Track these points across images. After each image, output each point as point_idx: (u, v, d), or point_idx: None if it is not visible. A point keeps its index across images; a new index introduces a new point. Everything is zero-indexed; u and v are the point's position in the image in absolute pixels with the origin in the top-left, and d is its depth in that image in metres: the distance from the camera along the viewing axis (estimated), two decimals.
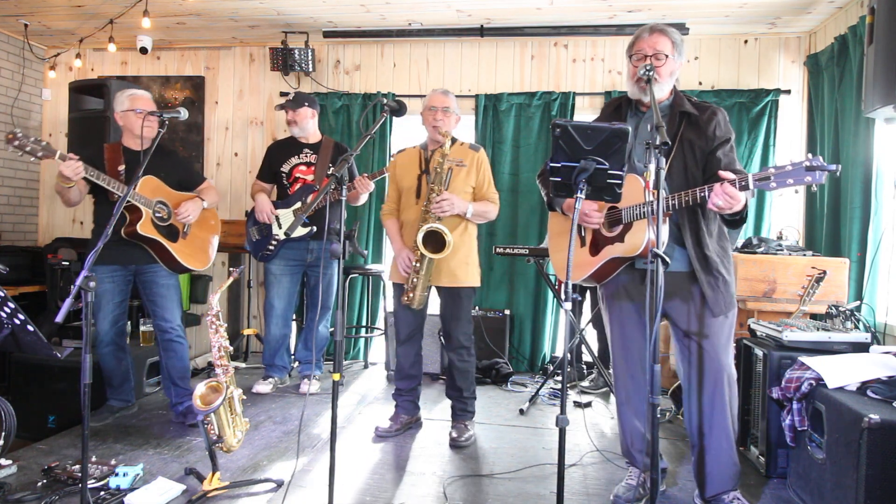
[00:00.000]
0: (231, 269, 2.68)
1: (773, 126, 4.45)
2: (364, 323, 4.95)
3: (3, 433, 2.41)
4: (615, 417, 2.60)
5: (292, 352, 4.22)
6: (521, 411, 3.61)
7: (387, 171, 3.71)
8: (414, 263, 2.98)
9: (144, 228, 3.01)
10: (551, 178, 1.93)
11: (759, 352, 2.76)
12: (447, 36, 4.79)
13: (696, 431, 2.29)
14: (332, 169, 3.83)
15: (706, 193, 2.00)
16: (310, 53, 4.83)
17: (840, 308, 2.99)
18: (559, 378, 3.40)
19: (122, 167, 3.10)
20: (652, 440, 1.84)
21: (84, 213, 5.33)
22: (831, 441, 2.18)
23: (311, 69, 4.87)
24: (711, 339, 2.22)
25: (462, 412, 3.18)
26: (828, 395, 2.24)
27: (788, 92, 4.51)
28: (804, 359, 2.47)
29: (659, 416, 2.67)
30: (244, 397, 2.69)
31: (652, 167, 1.83)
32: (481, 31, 4.66)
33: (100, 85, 4.56)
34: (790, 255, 3.49)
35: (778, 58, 4.58)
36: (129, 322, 3.49)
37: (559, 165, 1.88)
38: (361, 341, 4.91)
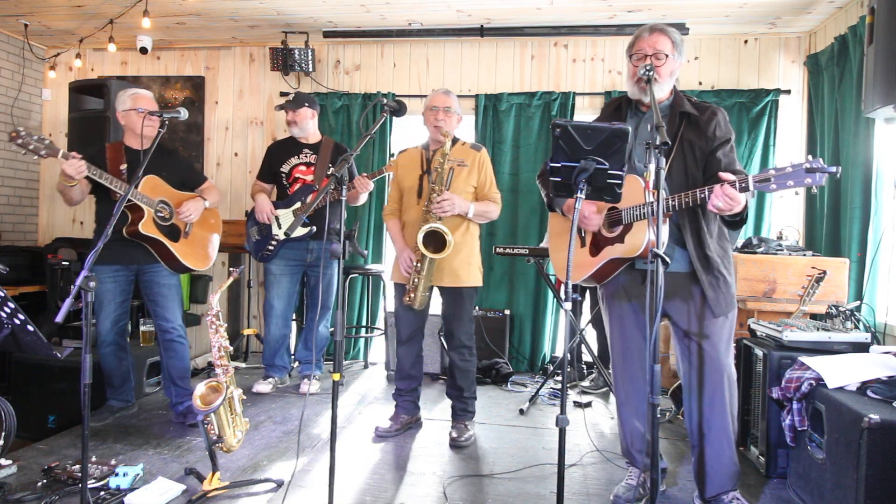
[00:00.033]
0: (231, 269, 2.68)
1: (773, 126, 4.45)
2: (364, 323, 4.95)
3: (3, 433, 2.41)
4: (615, 417, 2.60)
5: (292, 352, 4.22)
6: (521, 411, 3.61)
7: (386, 170, 3.71)
8: (415, 264, 2.98)
9: (146, 228, 3.01)
10: (551, 178, 1.93)
11: (759, 352, 2.76)
12: (447, 36, 4.79)
13: (696, 432, 2.29)
14: (331, 169, 3.83)
15: (706, 195, 1.99)
16: (310, 53, 4.83)
17: (840, 308, 2.99)
18: (559, 378, 3.40)
19: (123, 166, 3.10)
20: (652, 440, 1.84)
21: (84, 213, 5.34)
22: (831, 441, 2.18)
23: (311, 69, 4.87)
24: (712, 340, 2.22)
25: (462, 412, 3.18)
26: (828, 395, 2.24)
27: (788, 92, 4.51)
28: (804, 359, 2.47)
29: (659, 416, 2.67)
30: (244, 397, 2.69)
31: (652, 167, 1.83)
32: (481, 31, 4.66)
33: (100, 85, 4.56)
34: (790, 255, 3.49)
35: (778, 58, 4.59)
36: (129, 322, 3.48)
37: (559, 165, 1.88)
38: (361, 341, 4.91)
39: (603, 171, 1.85)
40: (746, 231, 4.24)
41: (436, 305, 3.23)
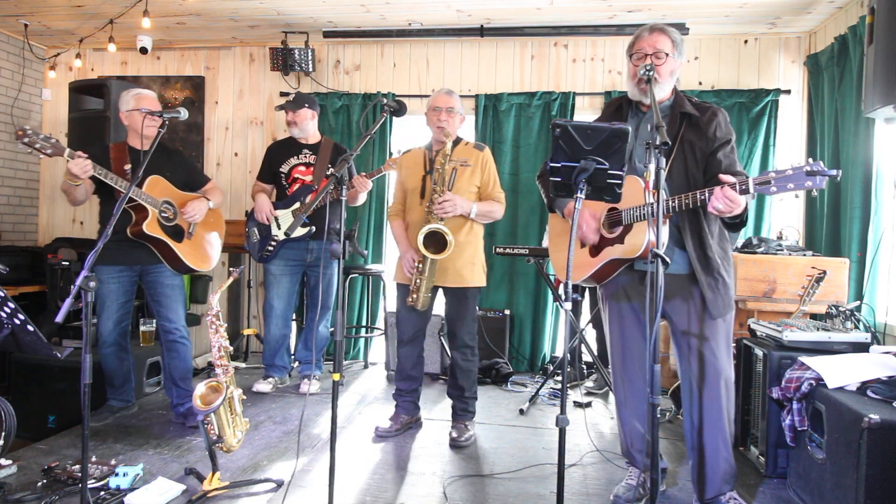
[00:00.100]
0: (231, 269, 2.68)
1: (773, 126, 4.45)
2: (364, 323, 4.95)
3: (3, 433, 2.41)
4: (615, 417, 2.60)
5: (292, 352, 4.22)
6: (521, 411, 3.61)
7: (384, 169, 3.71)
8: (416, 265, 2.98)
9: (150, 228, 3.01)
10: (551, 178, 1.93)
11: (759, 352, 2.76)
12: (447, 36, 4.79)
13: (693, 434, 2.29)
14: (331, 169, 3.84)
15: (706, 196, 1.99)
16: (310, 53, 4.83)
17: (840, 308, 2.99)
18: (559, 378, 3.40)
19: (128, 166, 3.10)
20: (652, 440, 1.84)
21: (84, 213, 5.34)
22: (831, 441, 2.18)
23: (311, 69, 4.87)
24: (709, 342, 2.22)
25: (463, 412, 3.18)
26: (828, 395, 2.24)
27: (788, 92, 4.51)
28: (804, 359, 2.46)
29: (659, 416, 2.67)
30: (244, 397, 2.69)
31: (652, 167, 1.83)
32: (481, 31, 4.66)
33: (100, 85, 4.56)
34: (790, 255, 3.49)
35: (778, 58, 4.59)
36: (130, 322, 3.48)
37: (559, 165, 1.88)
38: (361, 341, 4.91)
39: (603, 171, 1.85)
40: (746, 231, 4.24)
41: (436, 306, 3.23)
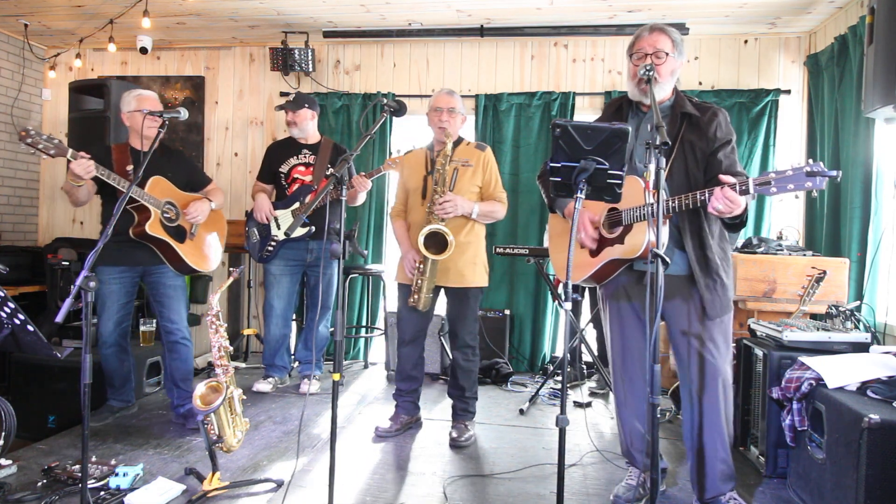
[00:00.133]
0: (231, 269, 2.68)
1: (773, 126, 4.45)
2: (364, 323, 4.95)
3: (3, 433, 2.41)
4: (615, 417, 2.60)
5: (292, 352, 4.22)
6: (521, 411, 3.61)
7: (384, 168, 3.71)
8: (418, 265, 2.98)
9: (153, 229, 3.01)
10: (551, 178, 1.93)
11: (759, 352, 2.76)
12: (447, 36, 4.79)
13: (692, 434, 2.29)
14: (330, 169, 3.84)
15: (706, 197, 1.99)
16: (310, 53, 4.83)
17: (840, 308, 2.99)
18: (559, 378, 3.40)
19: (130, 167, 3.11)
20: (652, 440, 1.84)
21: (84, 213, 5.34)
22: (831, 441, 2.18)
23: (311, 69, 4.87)
24: (706, 343, 2.22)
25: (463, 412, 3.18)
26: (828, 395, 2.24)
27: (788, 92, 4.51)
28: (804, 359, 2.46)
29: (659, 416, 2.67)
30: (244, 397, 2.69)
31: (652, 167, 1.83)
32: (481, 31, 4.66)
33: (100, 85, 4.56)
34: (790, 255, 3.49)
35: (778, 58, 4.59)
36: (131, 323, 3.48)
37: (559, 165, 1.88)
38: (361, 341, 4.91)
39: (603, 171, 1.85)
40: (746, 231, 4.24)
41: (439, 306, 3.23)
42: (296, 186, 3.85)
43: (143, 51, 4.80)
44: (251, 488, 2.49)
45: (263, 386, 3.84)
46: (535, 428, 3.36)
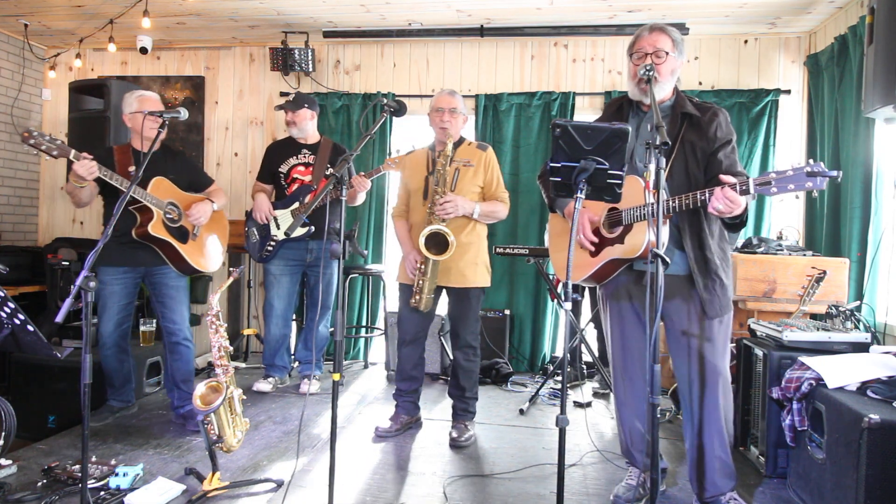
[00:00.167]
0: (231, 269, 2.69)
1: (773, 126, 4.45)
2: (364, 323, 4.95)
3: (3, 433, 2.41)
4: (615, 417, 2.60)
5: (292, 352, 4.22)
6: (521, 411, 3.61)
7: (383, 168, 3.71)
8: (419, 266, 2.98)
9: (155, 229, 3.01)
10: (551, 178, 1.93)
11: (759, 352, 2.76)
12: (447, 36, 4.79)
13: (692, 434, 2.29)
14: (330, 169, 3.84)
15: (706, 197, 1.99)
16: (310, 53, 4.83)
17: (840, 308, 2.99)
18: (559, 378, 3.40)
19: (132, 168, 3.11)
20: (652, 440, 1.84)
21: (84, 213, 5.33)
22: (831, 441, 2.18)
23: (311, 69, 4.87)
24: (705, 343, 2.22)
25: (463, 412, 3.18)
26: (828, 395, 2.24)
27: (788, 92, 4.51)
28: (804, 359, 2.46)
29: (659, 416, 2.67)
30: (244, 397, 2.69)
31: (652, 167, 1.83)
32: (481, 31, 4.66)
33: (100, 85, 4.56)
34: (790, 255, 3.49)
35: (778, 58, 4.59)
36: (131, 324, 3.48)
37: (559, 165, 1.88)
38: (361, 341, 4.91)
39: (603, 171, 1.85)
40: (746, 231, 4.24)
41: (441, 306, 3.22)
42: (295, 186, 3.85)
43: (143, 51, 4.80)
44: (251, 488, 2.49)
45: (263, 385, 3.84)
46: (535, 428, 3.36)
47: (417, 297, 2.99)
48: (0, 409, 2.42)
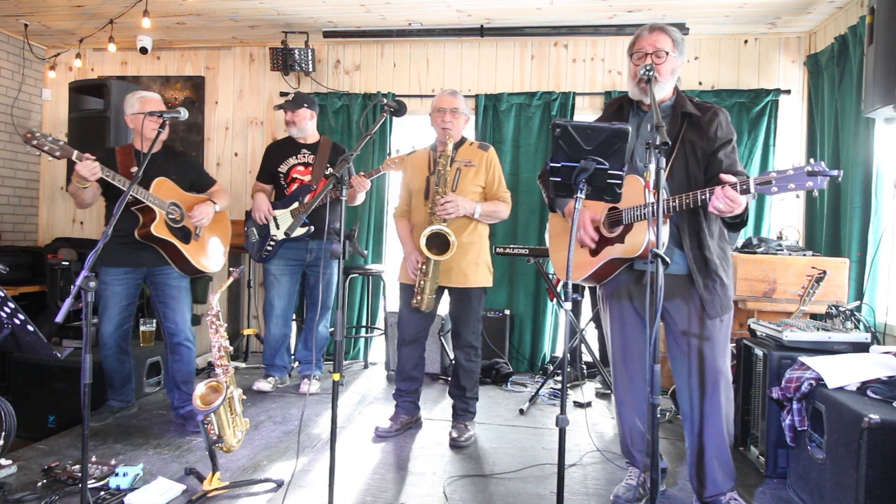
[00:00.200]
0: (231, 269, 2.69)
1: (773, 126, 4.45)
2: (364, 323, 4.95)
3: (3, 433, 2.41)
4: (615, 417, 2.60)
5: (292, 352, 4.22)
6: (521, 411, 3.61)
7: (383, 168, 3.71)
8: (420, 266, 2.98)
9: (158, 230, 3.01)
10: (551, 178, 1.93)
11: (759, 352, 2.76)
12: (447, 36, 4.79)
13: (692, 434, 2.29)
14: (330, 169, 3.84)
15: (707, 196, 1.99)
16: (310, 53, 4.83)
17: (840, 308, 2.99)
18: (559, 378, 3.40)
19: (134, 169, 3.11)
20: (652, 440, 1.84)
21: (84, 213, 5.33)
22: (831, 441, 2.18)
23: (311, 69, 4.87)
24: (706, 342, 2.22)
25: (463, 412, 3.18)
26: (828, 395, 2.24)
27: (788, 92, 4.51)
28: (804, 359, 2.46)
29: (659, 416, 2.67)
30: (244, 397, 2.69)
31: (652, 167, 1.83)
32: (481, 31, 4.66)
33: (100, 85, 4.56)
34: (790, 255, 3.49)
35: (778, 58, 4.59)
36: (132, 325, 3.48)
37: (559, 165, 1.88)
38: (361, 341, 4.91)
39: (603, 171, 1.85)
40: (746, 231, 4.24)
41: (442, 306, 3.22)
42: (295, 186, 3.85)
43: (143, 51, 4.80)
44: (251, 488, 2.49)
45: (264, 385, 3.84)
46: (535, 428, 3.36)
47: (419, 298, 2.99)
48: (0, 409, 2.42)
